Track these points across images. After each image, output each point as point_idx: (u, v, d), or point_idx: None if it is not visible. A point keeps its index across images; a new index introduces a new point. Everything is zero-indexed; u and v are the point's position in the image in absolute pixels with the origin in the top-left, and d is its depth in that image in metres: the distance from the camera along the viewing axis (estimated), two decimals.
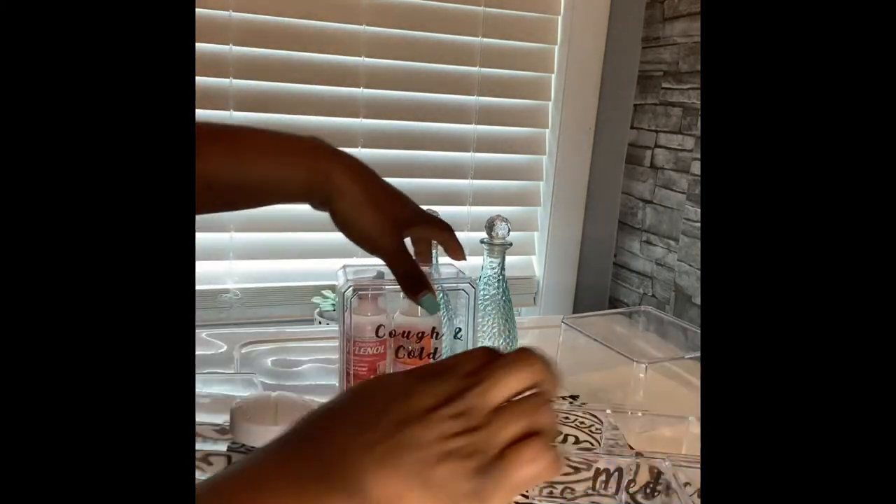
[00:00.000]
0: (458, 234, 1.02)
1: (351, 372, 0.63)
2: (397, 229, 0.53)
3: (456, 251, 0.58)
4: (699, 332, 0.75)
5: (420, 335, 0.64)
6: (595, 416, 0.66)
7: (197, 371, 0.69)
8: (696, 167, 0.93)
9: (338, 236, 1.05)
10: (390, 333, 0.65)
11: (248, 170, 0.48)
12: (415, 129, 0.98)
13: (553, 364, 0.31)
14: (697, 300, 0.94)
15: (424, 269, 0.55)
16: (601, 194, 1.09)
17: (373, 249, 0.53)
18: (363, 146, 0.95)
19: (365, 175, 0.51)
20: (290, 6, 0.87)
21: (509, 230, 0.72)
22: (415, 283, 0.52)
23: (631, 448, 0.54)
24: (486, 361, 0.31)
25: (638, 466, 0.53)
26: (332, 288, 0.95)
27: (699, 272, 0.93)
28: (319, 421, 0.30)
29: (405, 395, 0.29)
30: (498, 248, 0.72)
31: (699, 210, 0.93)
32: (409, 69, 0.95)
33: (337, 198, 0.50)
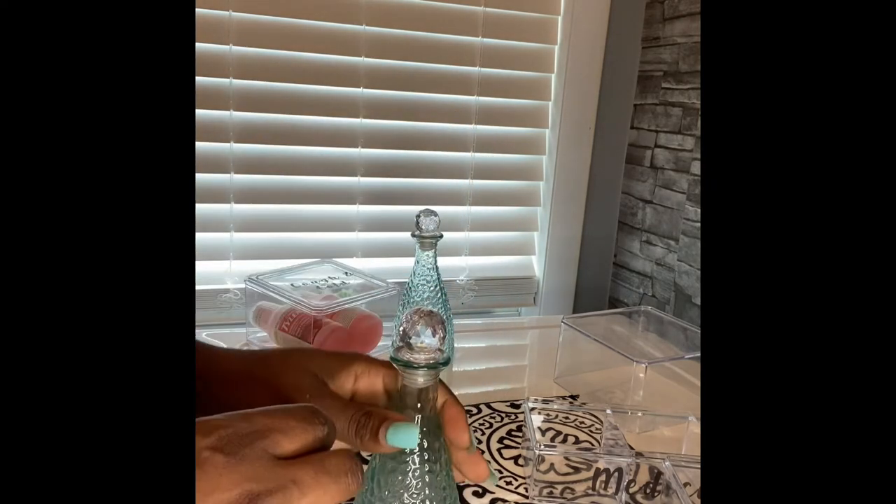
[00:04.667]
0: (458, 234, 1.01)
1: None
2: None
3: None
4: (699, 332, 0.75)
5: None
6: (595, 416, 0.66)
7: None
8: (696, 167, 0.93)
9: (337, 236, 1.05)
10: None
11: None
12: (415, 129, 0.98)
13: None
14: (697, 300, 0.94)
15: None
16: (601, 194, 1.09)
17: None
18: (363, 146, 0.94)
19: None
20: (290, 6, 0.87)
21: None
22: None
23: (631, 448, 0.54)
24: (307, 445, 0.30)
25: (638, 466, 0.53)
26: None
27: (699, 272, 0.93)
28: None
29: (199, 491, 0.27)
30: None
31: (699, 210, 0.93)
32: (409, 69, 0.95)
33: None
